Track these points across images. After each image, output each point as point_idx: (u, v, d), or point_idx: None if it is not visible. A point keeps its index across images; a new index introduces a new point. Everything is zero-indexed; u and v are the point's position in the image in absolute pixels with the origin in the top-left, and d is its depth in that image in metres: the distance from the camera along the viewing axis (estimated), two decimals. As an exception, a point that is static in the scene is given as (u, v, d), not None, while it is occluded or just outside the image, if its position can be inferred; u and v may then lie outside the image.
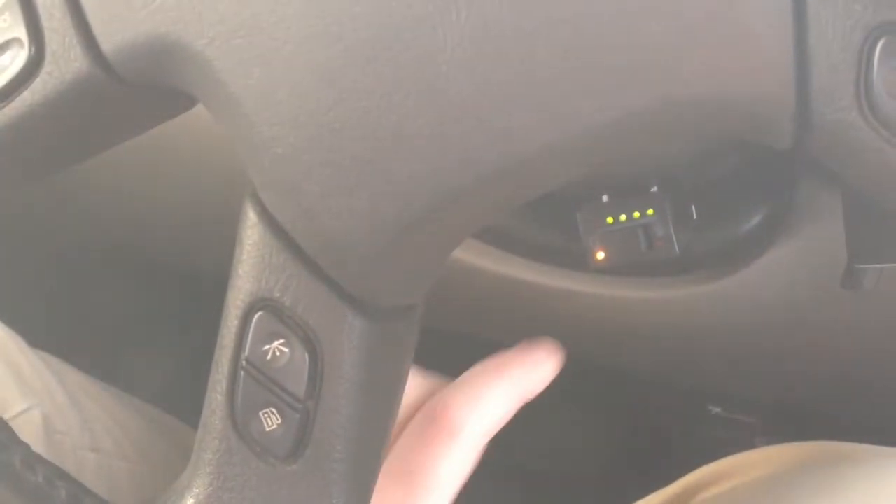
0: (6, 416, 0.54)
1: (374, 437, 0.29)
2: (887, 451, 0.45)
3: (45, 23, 0.26)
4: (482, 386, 0.33)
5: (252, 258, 0.27)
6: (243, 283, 0.27)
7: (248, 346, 0.27)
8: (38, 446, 0.42)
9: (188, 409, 0.38)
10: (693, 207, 0.46)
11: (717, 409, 0.78)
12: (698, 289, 0.50)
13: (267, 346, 0.27)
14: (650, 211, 0.44)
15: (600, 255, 0.45)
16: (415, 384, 0.36)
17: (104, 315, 0.92)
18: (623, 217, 0.44)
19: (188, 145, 0.59)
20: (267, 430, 0.27)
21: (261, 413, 0.27)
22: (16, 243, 0.82)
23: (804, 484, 0.43)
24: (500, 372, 0.33)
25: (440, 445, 0.32)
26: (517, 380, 0.33)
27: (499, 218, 0.50)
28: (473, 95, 0.23)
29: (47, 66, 0.27)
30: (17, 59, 0.27)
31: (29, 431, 0.56)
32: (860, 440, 0.46)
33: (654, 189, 0.44)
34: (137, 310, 0.93)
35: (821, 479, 0.43)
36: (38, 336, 0.66)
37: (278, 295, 0.27)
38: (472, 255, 0.54)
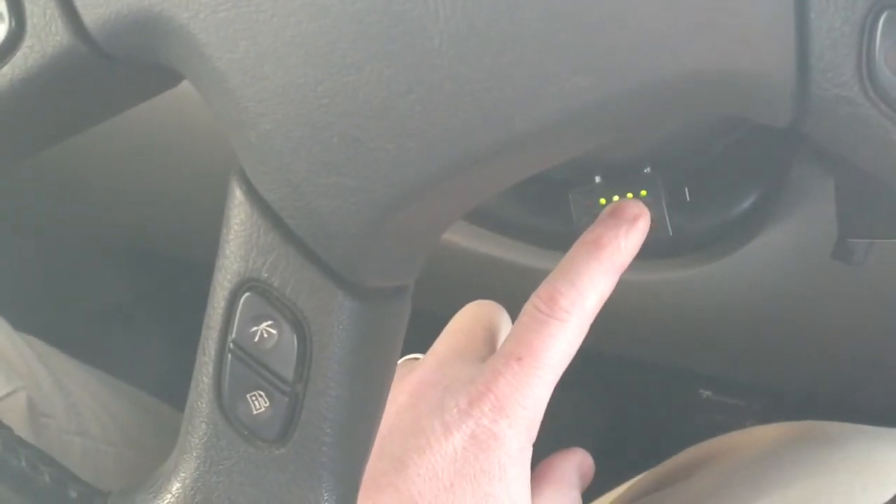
0: (-9, 400, 0.54)
1: (364, 420, 0.28)
2: (873, 430, 0.45)
3: None
4: (583, 273, 0.34)
5: (239, 238, 0.26)
6: (230, 264, 0.26)
7: (235, 327, 0.27)
8: (23, 430, 0.42)
9: (177, 393, 0.37)
10: (686, 189, 0.46)
11: (707, 393, 0.78)
12: (691, 271, 0.50)
13: (254, 328, 0.26)
14: (643, 192, 0.44)
15: (592, 237, 0.45)
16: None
17: (92, 299, 0.92)
18: (616, 199, 0.44)
19: (177, 129, 0.59)
20: (255, 413, 0.27)
21: (248, 396, 0.27)
22: (3, 227, 0.81)
23: (792, 463, 0.43)
24: (597, 253, 0.35)
25: (549, 335, 0.34)
26: (613, 255, 0.35)
27: (490, 199, 0.49)
28: (466, 71, 0.23)
29: (28, 40, 0.26)
30: None
31: (14, 415, 0.56)
32: (850, 421, 0.47)
33: (647, 170, 0.44)
34: (125, 293, 0.93)
35: (809, 458, 0.43)
36: (24, 320, 0.65)
37: (266, 275, 0.26)
38: (463, 237, 0.53)
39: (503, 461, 0.33)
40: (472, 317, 0.39)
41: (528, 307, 0.35)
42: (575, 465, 0.38)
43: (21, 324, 0.64)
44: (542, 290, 0.35)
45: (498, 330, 0.38)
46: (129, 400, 0.70)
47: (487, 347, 0.37)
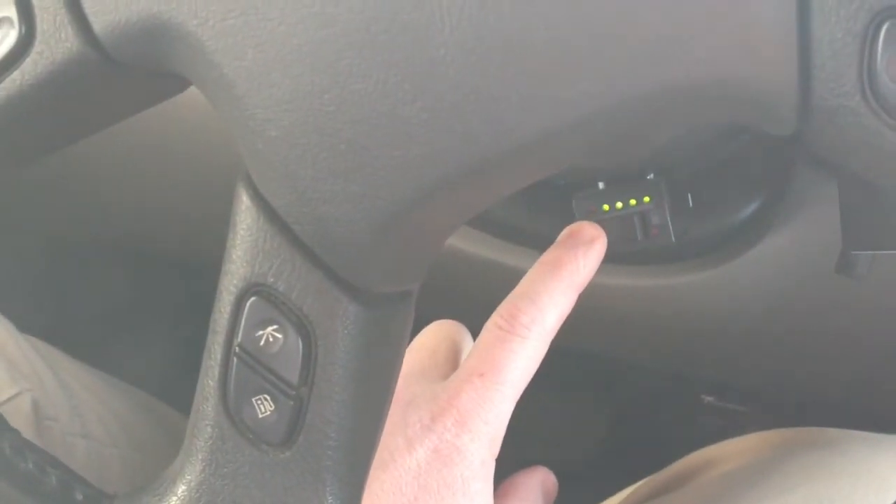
0: (-4, 402, 0.54)
1: (368, 424, 0.29)
2: (873, 436, 0.45)
3: (36, 1, 0.26)
4: (543, 291, 0.35)
5: (245, 243, 0.26)
6: (236, 268, 0.27)
7: (241, 331, 0.27)
8: (27, 432, 0.42)
9: (181, 396, 0.37)
10: (689, 195, 0.46)
11: (709, 398, 0.78)
12: (694, 277, 0.50)
13: (260, 332, 0.27)
14: (646, 198, 0.44)
15: (596, 243, 0.45)
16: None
17: (97, 301, 0.92)
18: (619, 204, 0.44)
19: (183, 133, 0.59)
20: (260, 416, 0.27)
21: (254, 399, 0.27)
22: (8, 229, 0.81)
23: (793, 469, 0.43)
24: (557, 272, 0.35)
25: (510, 352, 0.34)
26: (572, 274, 0.35)
27: (493, 205, 0.50)
28: (471, 79, 0.23)
29: (38, 46, 0.26)
30: (6, 39, 0.26)
31: (19, 417, 0.56)
32: (851, 427, 0.47)
33: (651, 176, 0.44)
34: (130, 297, 0.93)
35: (809, 465, 0.43)
36: (29, 322, 0.65)
37: (272, 280, 0.26)
38: (466, 243, 0.53)
39: (466, 475, 0.34)
40: (434, 335, 0.39)
41: (489, 325, 0.35)
42: (538, 482, 0.39)
43: (26, 326, 0.64)
44: (503, 307, 0.35)
45: (460, 348, 0.39)
46: (134, 403, 0.70)
47: (450, 365, 0.38)
